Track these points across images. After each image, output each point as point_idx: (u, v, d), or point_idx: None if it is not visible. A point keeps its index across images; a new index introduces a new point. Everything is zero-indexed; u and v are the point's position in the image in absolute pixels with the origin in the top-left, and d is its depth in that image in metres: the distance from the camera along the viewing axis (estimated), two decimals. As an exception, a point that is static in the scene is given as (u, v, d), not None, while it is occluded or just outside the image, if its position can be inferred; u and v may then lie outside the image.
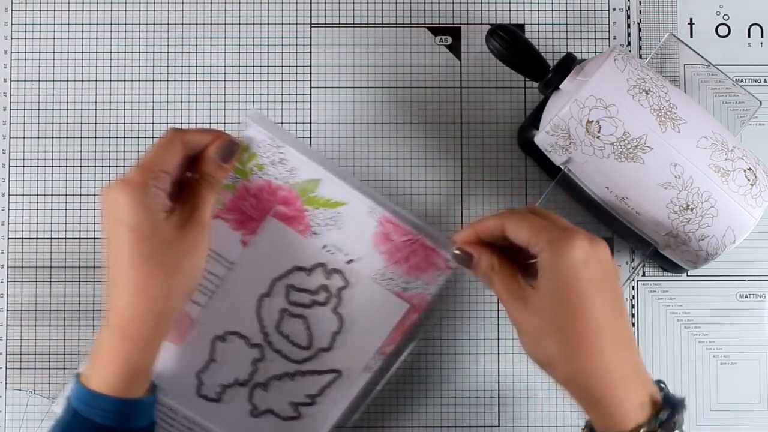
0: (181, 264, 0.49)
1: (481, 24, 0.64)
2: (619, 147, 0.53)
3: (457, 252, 0.51)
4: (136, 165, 0.49)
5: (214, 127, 0.63)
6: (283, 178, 0.54)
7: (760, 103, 0.61)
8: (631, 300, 0.63)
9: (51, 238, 0.63)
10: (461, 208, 0.63)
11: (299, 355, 0.56)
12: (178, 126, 0.63)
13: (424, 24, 0.64)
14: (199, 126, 0.63)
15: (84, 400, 0.48)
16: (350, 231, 0.54)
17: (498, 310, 0.63)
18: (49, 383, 0.62)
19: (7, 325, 0.63)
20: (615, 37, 0.64)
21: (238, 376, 0.55)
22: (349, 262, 0.55)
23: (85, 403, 0.48)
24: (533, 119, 0.59)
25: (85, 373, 0.49)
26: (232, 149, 0.52)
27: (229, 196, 0.54)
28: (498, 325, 0.63)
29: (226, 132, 0.53)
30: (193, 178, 0.51)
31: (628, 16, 0.64)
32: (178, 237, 0.49)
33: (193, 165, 0.52)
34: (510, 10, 0.64)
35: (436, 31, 0.64)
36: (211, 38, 0.64)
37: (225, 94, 0.64)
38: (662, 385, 0.49)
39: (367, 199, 0.54)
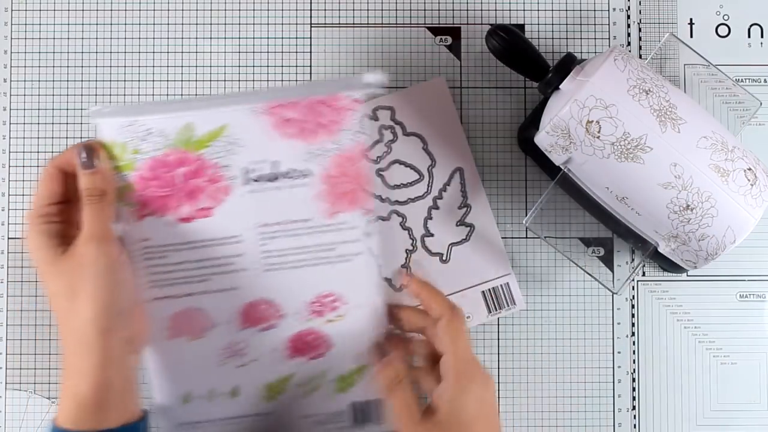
0: (89, 284, 0.48)
1: (481, 24, 0.64)
2: (619, 147, 0.53)
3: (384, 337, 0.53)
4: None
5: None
6: (162, 144, 0.53)
7: (760, 103, 0.61)
8: (632, 300, 0.63)
9: (51, 238, 0.63)
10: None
11: None
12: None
13: (424, 24, 0.64)
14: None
15: None
16: (252, 140, 0.53)
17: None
18: (49, 383, 0.62)
19: (7, 325, 0.63)
20: (615, 37, 0.64)
21: None
22: (276, 164, 0.53)
23: None
24: (533, 119, 0.59)
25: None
26: (90, 151, 0.51)
27: (133, 194, 0.53)
28: (498, 325, 0.63)
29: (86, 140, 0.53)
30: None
31: (628, 16, 0.64)
32: (77, 261, 0.49)
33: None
34: (510, 10, 0.64)
35: (436, 31, 0.64)
36: (211, 38, 0.64)
37: (225, 94, 0.64)
38: None
39: (241, 105, 0.52)
